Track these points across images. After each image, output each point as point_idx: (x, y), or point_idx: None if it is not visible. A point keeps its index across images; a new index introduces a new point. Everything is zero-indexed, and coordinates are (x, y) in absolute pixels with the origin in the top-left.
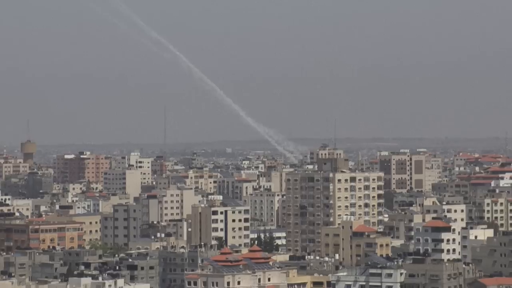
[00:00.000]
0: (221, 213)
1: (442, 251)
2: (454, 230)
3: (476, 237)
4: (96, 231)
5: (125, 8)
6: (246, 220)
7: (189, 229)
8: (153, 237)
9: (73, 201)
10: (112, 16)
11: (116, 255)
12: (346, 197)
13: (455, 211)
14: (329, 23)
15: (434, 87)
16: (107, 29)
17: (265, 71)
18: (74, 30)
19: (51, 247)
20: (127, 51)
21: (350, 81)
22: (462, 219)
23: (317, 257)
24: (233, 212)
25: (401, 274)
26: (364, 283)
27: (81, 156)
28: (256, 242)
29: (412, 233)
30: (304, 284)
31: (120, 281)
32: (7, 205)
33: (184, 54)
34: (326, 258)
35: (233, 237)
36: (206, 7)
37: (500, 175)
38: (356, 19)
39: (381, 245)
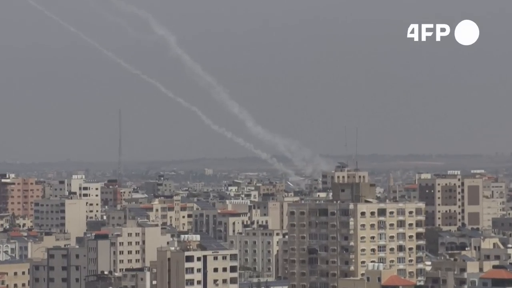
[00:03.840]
0: (199, 259)
1: None
2: None
3: None
4: (24, 284)
5: None
6: (233, 269)
7: (154, 282)
8: None
9: None
10: None
11: None
12: (373, 237)
13: None
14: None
15: (493, 86)
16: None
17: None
18: None
19: None
20: (83, 29)
21: (377, 79)
22: None
23: None
24: (215, 258)
25: None
26: None
27: (2, 180)
28: None
29: (466, 287)
30: None
31: None
32: None
33: (172, 36)
34: None
35: None
36: None
37: None
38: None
39: None
